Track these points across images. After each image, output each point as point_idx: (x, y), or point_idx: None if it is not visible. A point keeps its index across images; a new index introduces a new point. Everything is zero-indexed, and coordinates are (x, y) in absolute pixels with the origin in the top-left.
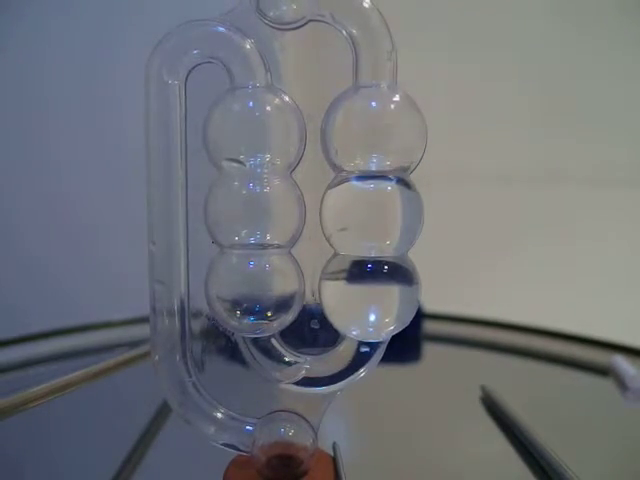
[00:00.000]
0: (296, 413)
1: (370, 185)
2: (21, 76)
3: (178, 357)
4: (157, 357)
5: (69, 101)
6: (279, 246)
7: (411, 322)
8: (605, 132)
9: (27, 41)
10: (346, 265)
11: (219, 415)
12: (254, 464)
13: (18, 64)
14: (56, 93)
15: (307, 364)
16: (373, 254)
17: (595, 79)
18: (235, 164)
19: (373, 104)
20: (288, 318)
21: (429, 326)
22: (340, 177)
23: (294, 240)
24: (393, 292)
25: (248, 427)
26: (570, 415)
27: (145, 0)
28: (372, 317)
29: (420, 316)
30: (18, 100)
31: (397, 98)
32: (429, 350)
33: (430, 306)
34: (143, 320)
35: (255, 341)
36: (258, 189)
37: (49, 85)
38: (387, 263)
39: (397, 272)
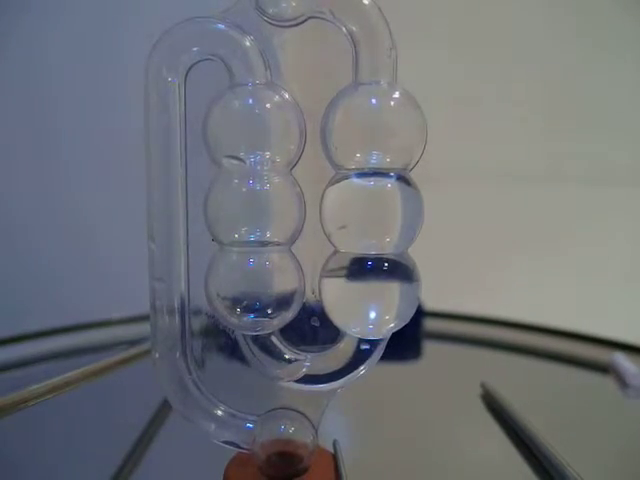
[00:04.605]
0: (296, 410)
1: (370, 182)
2: (21, 76)
3: (178, 355)
4: (157, 355)
5: (69, 99)
6: (279, 244)
7: (411, 319)
8: (606, 131)
9: (28, 40)
10: (346, 262)
11: (219, 412)
12: (254, 461)
13: (17, 63)
14: (57, 91)
15: (307, 361)
16: (373, 251)
17: (596, 78)
18: (235, 161)
19: (373, 101)
20: (288, 315)
21: (429, 324)
22: (340, 174)
23: (294, 238)
24: (393, 289)
25: (248, 424)
26: (570, 412)
27: None
28: (372, 314)
29: (420, 313)
30: (19, 99)
31: (397, 95)
32: (429, 348)
33: (430, 304)
34: (143, 318)
35: (255, 338)
36: (258, 186)
37: (50, 84)
38: (387, 260)
39: (397, 269)
